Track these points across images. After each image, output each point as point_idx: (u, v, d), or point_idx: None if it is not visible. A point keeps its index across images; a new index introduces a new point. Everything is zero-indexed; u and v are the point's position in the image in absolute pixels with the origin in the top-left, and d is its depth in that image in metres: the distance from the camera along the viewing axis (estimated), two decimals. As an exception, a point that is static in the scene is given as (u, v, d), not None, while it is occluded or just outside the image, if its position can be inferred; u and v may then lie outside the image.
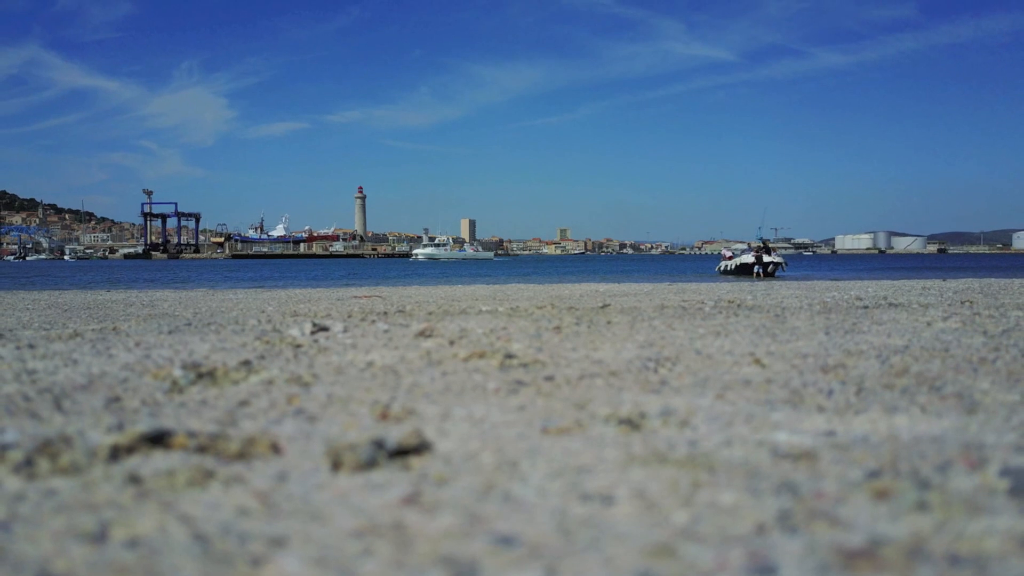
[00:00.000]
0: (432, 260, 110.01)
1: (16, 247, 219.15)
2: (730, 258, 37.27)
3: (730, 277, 32.20)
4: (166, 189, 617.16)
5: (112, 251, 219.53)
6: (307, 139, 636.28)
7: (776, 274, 33.01)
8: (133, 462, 1.46)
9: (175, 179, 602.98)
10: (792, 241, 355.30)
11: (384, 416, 1.91)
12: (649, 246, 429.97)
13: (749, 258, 34.81)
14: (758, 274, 32.79)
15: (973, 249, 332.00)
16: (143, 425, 1.74)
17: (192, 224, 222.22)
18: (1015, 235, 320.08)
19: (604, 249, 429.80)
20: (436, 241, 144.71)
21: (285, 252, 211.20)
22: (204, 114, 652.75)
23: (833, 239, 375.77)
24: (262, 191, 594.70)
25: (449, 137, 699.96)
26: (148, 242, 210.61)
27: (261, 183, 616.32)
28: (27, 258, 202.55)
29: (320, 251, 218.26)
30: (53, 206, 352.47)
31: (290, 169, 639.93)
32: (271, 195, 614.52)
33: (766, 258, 33.96)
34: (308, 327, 3.84)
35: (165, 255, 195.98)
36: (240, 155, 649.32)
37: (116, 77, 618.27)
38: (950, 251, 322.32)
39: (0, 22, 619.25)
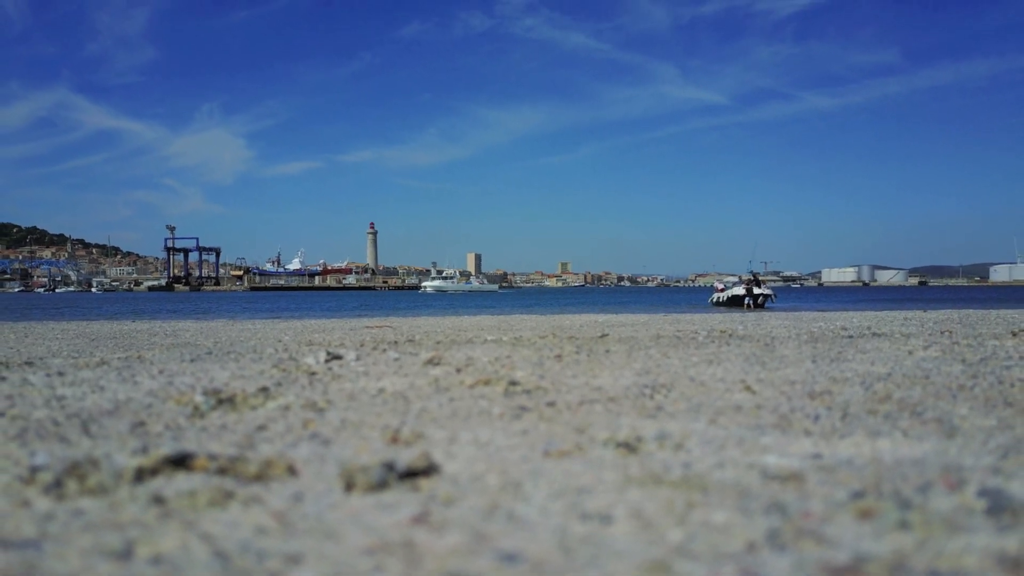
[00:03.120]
0: (440, 292, 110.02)
1: (47, 280, 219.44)
2: (722, 290, 37.26)
3: (722, 308, 32.11)
4: (188, 225, 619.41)
5: (137, 284, 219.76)
6: (322, 178, 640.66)
7: (765, 305, 32.99)
8: (157, 483, 1.46)
9: (197, 216, 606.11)
10: (781, 274, 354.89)
11: (394, 440, 1.91)
12: (646, 279, 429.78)
13: (740, 290, 34.72)
14: (748, 305, 32.73)
15: (952, 282, 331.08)
16: (167, 448, 1.75)
17: (213, 258, 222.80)
18: (992, 269, 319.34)
19: (603, 282, 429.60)
20: (444, 274, 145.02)
21: (301, 285, 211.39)
22: (224, 154, 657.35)
23: (820, 272, 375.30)
24: (279, 227, 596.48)
25: (456, 175, 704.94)
26: (171, 275, 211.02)
27: (278, 219, 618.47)
28: (56, 290, 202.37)
29: (334, 283, 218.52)
30: (81, 241, 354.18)
31: (306, 206, 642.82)
32: (288, 231, 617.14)
33: (756, 290, 33.88)
34: (322, 356, 3.85)
35: (187, 287, 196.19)
36: (258, 193, 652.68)
37: (141, 119, 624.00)
38: (930, 283, 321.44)
39: (32, 66, 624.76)
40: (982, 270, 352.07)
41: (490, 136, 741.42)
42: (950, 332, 5.93)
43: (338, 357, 3.87)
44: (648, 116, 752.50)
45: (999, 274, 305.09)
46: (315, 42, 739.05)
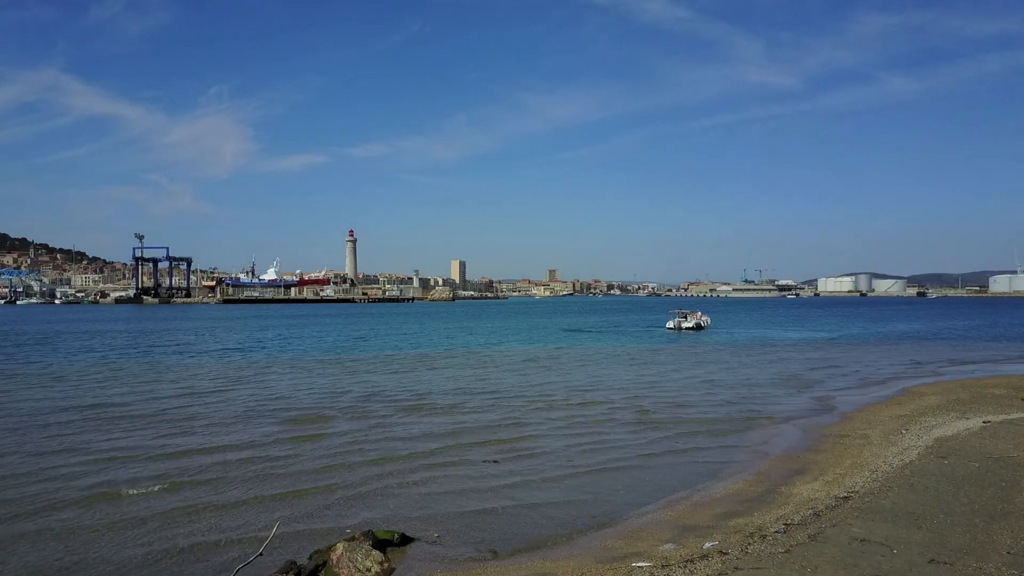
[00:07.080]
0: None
1: (7, 291, 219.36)
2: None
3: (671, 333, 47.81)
4: (168, 225, 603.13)
5: (104, 295, 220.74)
6: (324, 174, 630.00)
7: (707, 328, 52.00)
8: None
9: (182, 215, 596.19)
10: (776, 283, 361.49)
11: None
12: (637, 287, 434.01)
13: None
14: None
15: (952, 292, 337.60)
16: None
17: (184, 267, 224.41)
18: (991, 279, 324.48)
19: (592, 290, 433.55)
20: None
21: (276, 297, 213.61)
22: (224, 144, 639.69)
23: (816, 281, 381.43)
24: (263, 229, 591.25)
25: (479, 170, 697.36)
26: (139, 286, 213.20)
27: (267, 220, 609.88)
28: (17, 302, 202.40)
29: (311, 295, 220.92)
30: (45, 246, 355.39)
31: (299, 206, 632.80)
32: (269, 235, 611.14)
33: (686, 324, 58.29)
34: None
35: (156, 300, 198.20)
36: (253, 190, 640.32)
37: (138, 102, 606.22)
38: (929, 294, 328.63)
39: (25, 37, 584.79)
40: (982, 278, 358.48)
41: (525, 124, 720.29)
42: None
43: None
44: (696, 102, 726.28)
45: (999, 285, 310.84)
46: (361, 4, 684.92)
